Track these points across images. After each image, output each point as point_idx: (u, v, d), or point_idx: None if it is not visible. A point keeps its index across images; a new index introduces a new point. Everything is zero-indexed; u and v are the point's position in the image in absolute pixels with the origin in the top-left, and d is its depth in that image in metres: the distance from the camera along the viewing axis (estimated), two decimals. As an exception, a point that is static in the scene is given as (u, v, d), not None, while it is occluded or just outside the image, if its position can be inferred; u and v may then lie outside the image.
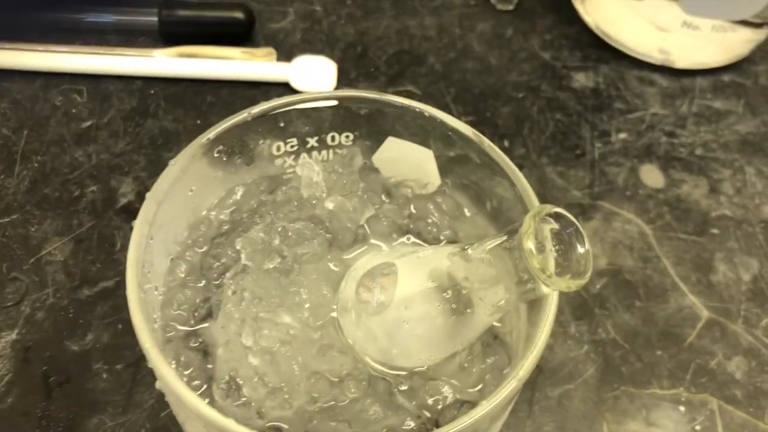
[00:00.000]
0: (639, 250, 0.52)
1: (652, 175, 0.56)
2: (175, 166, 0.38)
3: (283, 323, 0.37)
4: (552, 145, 0.57)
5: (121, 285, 0.46)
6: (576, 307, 0.48)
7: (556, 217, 0.32)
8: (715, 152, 0.58)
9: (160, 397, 0.41)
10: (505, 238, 0.33)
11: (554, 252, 0.32)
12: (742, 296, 0.50)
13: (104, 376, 0.43)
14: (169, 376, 0.31)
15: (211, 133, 0.39)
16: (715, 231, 0.53)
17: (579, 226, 0.32)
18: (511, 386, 0.31)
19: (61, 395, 0.42)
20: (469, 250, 0.35)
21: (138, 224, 0.36)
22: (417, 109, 0.42)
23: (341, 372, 0.37)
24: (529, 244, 0.30)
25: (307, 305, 0.38)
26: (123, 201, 0.50)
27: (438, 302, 0.36)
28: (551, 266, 0.31)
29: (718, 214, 0.54)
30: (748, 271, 0.51)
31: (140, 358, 0.43)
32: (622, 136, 0.58)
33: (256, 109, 0.40)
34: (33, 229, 0.49)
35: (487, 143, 0.40)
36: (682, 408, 0.44)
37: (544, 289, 0.33)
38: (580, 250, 0.32)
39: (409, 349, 0.37)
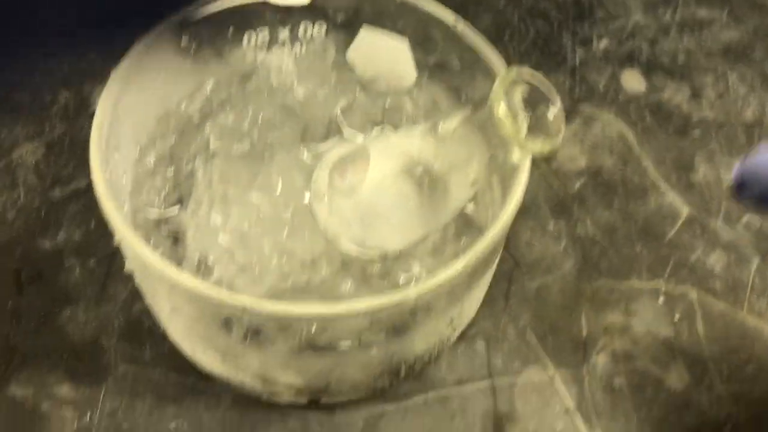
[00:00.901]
0: (619, 151, 0.51)
1: (633, 81, 0.55)
2: (140, 44, 0.37)
3: (255, 203, 0.36)
4: (532, 51, 0.56)
5: (93, 186, 0.46)
6: (555, 205, 0.48)
7: (527, 79, 0.31)
8: (698, 59, 0.57)
9: (134, 290, 0.41)
10: (473, 110, 0.33)
11: (526, 116, 0.31)
12: (722, 195, 0.49)
13: (77, 270, 0.42)
14: (136, 246, 0.30)
15: (178, 16, 0.38)
16: (696, 133, 0.53)
17: (550, 85, 0.31)
18: (483, 244, 0.31)
19: (34, 291, 0.42)
20: (439, 128, 0.34)
21: (102, 100, 0.35)
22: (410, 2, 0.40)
23: (313, 252, 0.36)
24: (502, 108, 0.29)
25: (279, 188, 0.37)
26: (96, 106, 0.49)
27: (410, 183, 0.35)
28: (523, 129, 0.30)
29: (700, 117, 0.54)
30: (729, 171, 0.51)
31: (113, 253, 0.43)
32: (604, 43, 0.57)
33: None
34: (4, 134, 0.48)
35: (462, 22, 0.39)
36: (661, 299, 0.44)
37: (516, 157, 0.33)
38: (553, 110, 0.31)
39: (382, 231, 0.37)
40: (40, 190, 0.45)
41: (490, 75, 0.39)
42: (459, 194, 0.35)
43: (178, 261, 0.37)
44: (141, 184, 0.39)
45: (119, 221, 0.31)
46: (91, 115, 0.49)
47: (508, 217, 0.32)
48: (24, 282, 0.42)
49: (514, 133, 0.30)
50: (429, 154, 0.35)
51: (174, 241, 0.38)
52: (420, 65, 0.43)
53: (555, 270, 0.45)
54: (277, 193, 0.37)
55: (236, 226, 0.36)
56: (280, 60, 0.42)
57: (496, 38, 0.56)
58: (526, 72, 0.31)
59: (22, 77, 0.51)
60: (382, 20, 0.43)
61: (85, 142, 0.48)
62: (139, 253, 0.30)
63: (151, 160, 0.39)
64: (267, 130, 0.40)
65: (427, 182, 0.35)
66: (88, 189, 0.46)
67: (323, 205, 0.37)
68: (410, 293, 0.29)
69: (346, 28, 0.43)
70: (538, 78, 0.31)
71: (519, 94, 0.31)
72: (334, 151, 0.39)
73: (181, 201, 0.38)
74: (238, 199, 0.37)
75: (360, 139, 0.42)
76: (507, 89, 0.30)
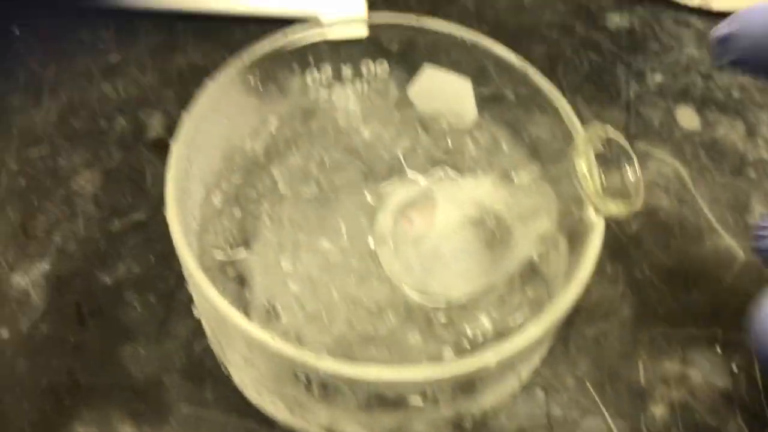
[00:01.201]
0: (675, 191, 0.51)
1: (687, 117, 0.55)
2: (213, 84, 0.37)
3: (323, 249, 0.36)
4: (587, 85, 0.56)
5: (153, 218, 0.46)
6: (612, 247, 0.47)
7: (607, 141, 0.31)
8: (753, 95, 0.57)
9: (196, 329, 0.41)
10: (549, 164, 0.32)
11: (602, 176, 0.31)
12: (779, 238, 0.49)
13: (137, 306, 0.43)
14: (212, 295, 0.30)
15: (246, 55, 0.38)
16: (752, 173, 0.52)
17: (630, 150, 0.31)
18: (555, 313, 0.31)
19: (94, 325, 0.42)
20: (513, 178, 0.34)
21: (177, 144, 0.35)
22: (458, 37, 0.40)
23: (379, 300, 0.36)
24: (583, 167, 0.29)
25: (345, 233, 0.37)
26: (153, 135, 0.50)
27: (477, 231, 0.35)
28: (600, 189, 0.30)
29: (756, 157, 0.53)
30: (786, 213, 0.50)
31: (174, 289, 0.43)
32: (658, 77, 0.57)
33: (291, 33, 0.39)
34: (62, 161, 0.48)
35: (532, 69, 0.39)
36: (718, 348, 0.44)
37: (592, 216, 0.33)
38: (631, 173, 0.31)
39: (448, 279, 0.36)
40: (99, 221, 0.46)
41: (547, 112, 0.39)
42: (525, 246, 0.35)
43: (245, 305, 0.37)
44: (207, 224, 0.39)
45: (200, 277, 0.31)
46: (148, 143, 0.49)
47: (585, 277, 0.32)
48: (86, 316, 0.42)
49: (594, 194, 0.30)
50: (499, 204, 0.35)
51: (240, 283, 0.38)
52: (479, 102, 0.43)
53: (612, 316, 0.45)
54: (345, 239, 0.37)
55: (304, 273, 0.36)
56: (343, 98, 0.42)
57: (549, 71, 0.56)
58: (609, 130, 0.31)
59: (79, 102, 0.51)
60: (439, 56, 0.43)
61: (143, 170, 0.48)
62: (214, 304, 0.31)
63: (217, 200, 0.39)
64: (332, 171, 0.40)
65: (494, 231, 0.35)
66: (148, 221, 0.46)
67: (387, 250, 0.37)
68: (490, 359, 0.29)
69: (408, 65, 0.43)
70: (617, 136, 0.31)
71: (595, 154, 0.31)
72: (398, 194, 0.39)
73: (247, 242, 0.39)
74: (306, 244, 0.37)
75: (422, 180, 0.41)
76: (587, 147, 0.30)
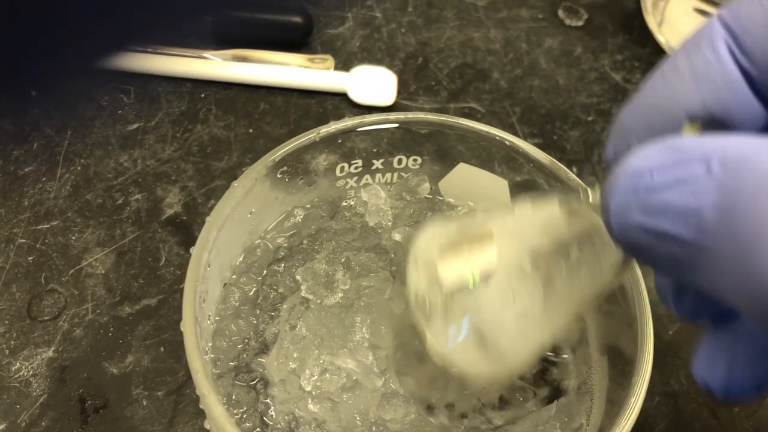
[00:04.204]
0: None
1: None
2: (238, 187, 0.35)
3: (346, 368, 0.34)
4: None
5: (164, 304, 0.44)
6: (646, 353, 0.45)
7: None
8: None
9: (204, 431, 0.38)
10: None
11: None
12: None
13: (144, 403, 0.40)
14: (228, 429, 0.28)
15: (277, 154, 0.36)
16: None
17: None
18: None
19: (98, 421, 0.39)
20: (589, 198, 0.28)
21: (196, 252, 0.33)
22: (498, 138, 0.38)
23: (405, 421, 0.34)
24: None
25: (369, 347, 0.35)
26: (169, 212, 0.48)
27: (555, 266, 0.29)
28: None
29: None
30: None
31: (182, 385, 0.41)
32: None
33: (324, 131, 0.37)
34: (74, 238, 0.46)
35: (563, 169, 0.37)
36: (758, 470, 0.41)
37: None
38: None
39: (517, 334, 0.29)
40: (108, 305, 0.43)
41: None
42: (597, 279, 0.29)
43: (260, 419, 0.34)
44: (224, 326, 0.36)
45: (218, 412, 0.29)
46: (163, 222, 0.47)
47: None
48: (89, 411, 0.40)
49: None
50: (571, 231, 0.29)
51: (255, 390, 0.35)
52: (511, 189, 0.41)
53: (647, 429, 0.42)
54: (369, 355, 0.35)
55: (325, 393, 0.34)
56: (372, 194, 0.40)
57: (584, 156, 0.54)
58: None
59: (94, 173, 0.49)
60: (470, 150, 0.41)
61: (157, 251, 0.46)
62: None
63: (235, 299, 0.37)
64: (359, 276, 0.37)
65: (576, 261, 0.29)
66: (160, 307, 0.44)
67: (425, 318, 0.30)
68: None
69: (439, 160, 0.41)
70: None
71: None
72: (423, 239, 0.30)
73: (265, 347, 0.36)
74: (327, 362, 0.34)
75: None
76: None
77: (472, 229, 0.28)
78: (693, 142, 0.18)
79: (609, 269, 0.26)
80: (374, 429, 0.33)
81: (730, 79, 0.19)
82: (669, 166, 0.18)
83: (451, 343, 0.28)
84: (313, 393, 0.33)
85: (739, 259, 0.16)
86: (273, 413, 0.34)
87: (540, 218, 0.28)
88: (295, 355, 0.34)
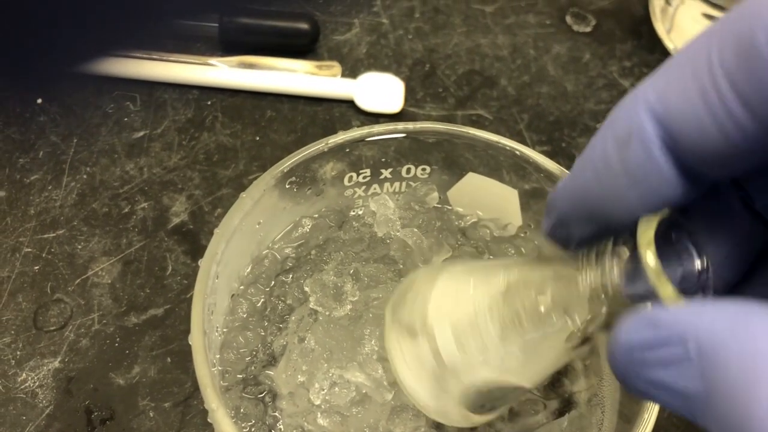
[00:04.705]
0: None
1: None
2: (247, 199, 0.34)
3: (355, 381, 0.33)
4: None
5: (170, 314, 0.44)
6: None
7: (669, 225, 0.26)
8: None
9: (211, 443, 0.38)
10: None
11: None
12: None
13: (151, 414, 0.40)
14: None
15: (286, 164, 0.36)
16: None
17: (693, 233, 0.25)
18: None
19: (105, 433, 0.39)
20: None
21: (205, 264, 0.32)
22: (507, 147, 0.38)
23: (415, 435, 0.34)
24: (651, 257, 0.24)
25: (378, 360, 0.35)
26: (175, 221, 0.47)
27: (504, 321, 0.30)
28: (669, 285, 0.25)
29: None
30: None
31: (189, 396, 0.40)
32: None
33: (333, 141, 0.37)
34: (80, 247, 0.46)
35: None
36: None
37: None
38: (697, 263, 0.25)
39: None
40: (115, 315, 0.43)
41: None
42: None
43: (269, 429, 0.34)
44: (232, 337, 0.36)
45: (222, 414, 0.28)
46: (169, 230, 0.47)
47: None
48: (95, 423, 0.39)
49: (663, 285, 0.24)
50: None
51: (263, 403, 0.35)
52: (521, 196, 0.41)
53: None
54: (378, 368, 0.34)
55: (333, 407, 0.33)
56: (381, 204, 0.40)
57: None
58: (675, 215, 0.26)
59: (100, 182, 0.49)
60: (479, 159, 0.40)
61: (164, 260, 0.46)
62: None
63: (243, 310, 0.37)
64: (368, 287, 0.37)
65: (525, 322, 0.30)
66: (166, 317, 0.43)
67: (403, 367, 0.32)
68: None
69: (448, 169, 0.41)
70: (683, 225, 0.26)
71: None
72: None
73: (273, 359, 0.36)
74: (336, 376, 0.34)
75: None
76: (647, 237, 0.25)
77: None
78: (669, 317, 0.18)
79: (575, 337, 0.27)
80: None
81: (669, 180, 0.18)
82: (653, 345, 0.18)
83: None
84: (322, 407, 0.33)
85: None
86: (281, 427, 0.34)
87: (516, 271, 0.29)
88: (303, 368, 0.34)
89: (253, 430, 0.34)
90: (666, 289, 0.21)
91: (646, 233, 0.21)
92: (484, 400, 0.31)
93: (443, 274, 0.31)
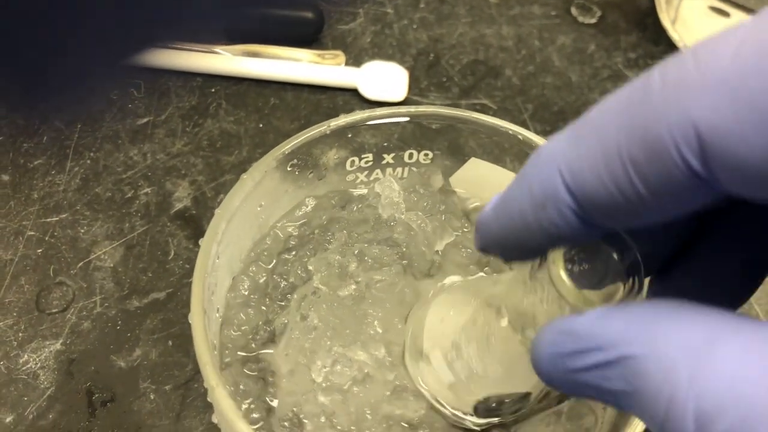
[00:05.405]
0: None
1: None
2: (248, 180, 0.34)
3: (358, 360, 0.33)
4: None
5: (172, 297, 0.44)
6: None
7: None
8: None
9: (212, 425, 0.38)
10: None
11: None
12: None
13: (151, 397, 0.40)
14: (235, 422, 0.27)
15: (288, 146, 0.36)
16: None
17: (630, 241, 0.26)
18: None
19: (106, 415, 0.39)
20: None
21: (205, 244, 0.32)
22: (510, 132, 0.38)
23: (415, 417, 0.33)
24: (557, 272, 0.24)
25: (381, 340, 0.34)
26: (178, 206, 0.47)
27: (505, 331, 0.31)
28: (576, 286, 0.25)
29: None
30: None
31: (190, 379, 0.40)
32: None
33: (335, 123, 0.37)
34: (82, 231, 0.46)
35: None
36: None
37: None
38: (628, 253, 0.26)
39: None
40: (117, 298, 0.43)
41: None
42: None
43: (267, 410, 0.34)
44: (233, 315, 0.36)
45: (221, 394, 0.28)
46: (172, 215, 0.47)
47: None
48: (96, 404, 0.39)
49: (570, 292, 0.25)
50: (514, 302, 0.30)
51: (263, 381, 0.35)
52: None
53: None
54: (381, 348, 0.34)
55: (335, 385, 0.33)
56: (390, 188, 0.40)
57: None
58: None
59: (103, 167, 0.49)
60: (481, 143, 0.40)
61: (166, 245, 0.46)
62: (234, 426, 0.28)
63: (244, 287, 0.37)
64: (372, 268, 0.37)
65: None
66: (168, 300, 0.43)
67: (414, 363, 0.34)
68: None
69: (452, 154, 0.41)
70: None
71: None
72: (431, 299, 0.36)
73: (273, 337, 0.36)
74: (338, 354, 0.34)
75: (457, 280, 0.39)
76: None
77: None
78: (584, 328, 0.20)
79: None
80: (384, 423, 0.33)
81: (578, 231, 0.20)
82: (574, 352, 0.20)
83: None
84: (324, 385, 0.33)
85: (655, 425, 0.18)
86: (281, 404, 0.34)
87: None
88: (306, 346, 0.34)
89: (252, 407, 0.34)
90: (575, 297, 0.23)
91: (555, 252, 0.23)
92: (490, 406, 0.32)
93: (437, 299, 0.34)
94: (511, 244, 0.23)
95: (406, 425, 0.33)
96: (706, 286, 0.24)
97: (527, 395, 0.32)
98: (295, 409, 0.34)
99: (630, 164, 0.18)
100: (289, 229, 0.39)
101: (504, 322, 0.29)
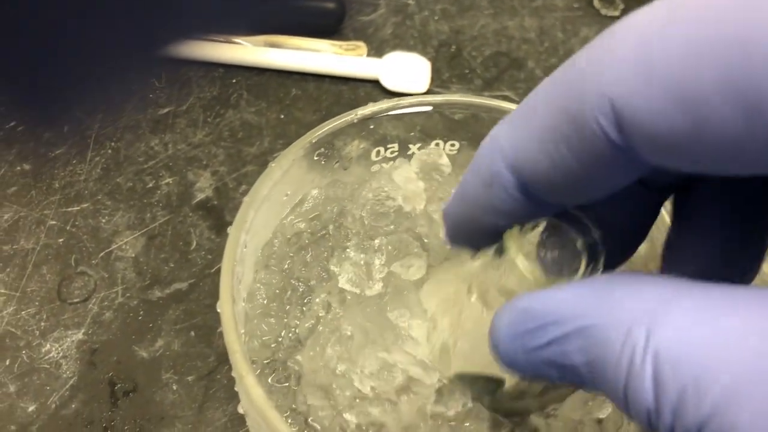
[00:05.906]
0: None
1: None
2: (276, 168, 0.34)
3: (398, 363, 0.32)
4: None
5: (194, 288, 0.43)
6: None
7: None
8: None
9: (234, 415, 0.38)
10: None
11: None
12: None
13: (174, 387, 0.40)
14: (269, 415, 0.27)
15: (315, 135, 0.35)
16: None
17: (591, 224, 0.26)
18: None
19: (128, 405, 0.39)
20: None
21: (234, 232, 0.32)
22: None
23: (462, 411, 0.33)
24: (514, 251, 0.25)
25: (419, 339, 0.34)
26: (200, 196, 0.47)
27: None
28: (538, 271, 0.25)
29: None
30: None
31: (213, 370, 0.40)
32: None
33: (361, 112, 0.37)
34: (104, 221, 0.46)
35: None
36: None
37: None
38: (589, 237, 0.26)
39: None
40: (138, 289, 0.43)
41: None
42: None
43: (294, 416, 0.33)
44: (256, 314, 0.36)
45: (251, 381, 0.28)
46: (194, 206, 0.47)
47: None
48: (119, 394, 0.39)
49: (531, 272, 0.25)
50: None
51: (288, 387, 0.34)
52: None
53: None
54: (419, 345, 0.34)
55: (385, 393, 0.33)
56: (408, 178, 0.39)
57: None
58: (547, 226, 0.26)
59: (125, 157, 0.49)
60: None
61: (188, 235, 0.45)
62: (268, 421, 0.27)
63: (262, 299, 0.36)
64: (395, 260, 0.36)
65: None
66: (190, 291, 0.43)
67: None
68: None
69: (475, 144, 0.41)
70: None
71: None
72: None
73: (299, 339, 0.35)
74: (382, 358, 0.33)
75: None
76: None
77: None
78: (539, 303, 0.20)
79: None
80: (431, 422, 0.32)
81: (526, 207, 0.21)
82: (530, 330, 0.20)
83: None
84: (370, 396, 0.32)
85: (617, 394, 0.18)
86: (317, 418, 0.33)
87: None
88: (331, 353, 0.33)
89: (289, 421, 0.33)
90: (537, 279, 0.23)
91: (510, 233, 0.24)
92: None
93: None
94: (471, 227, 0.24)
95: (452, 423, 0.33)
96: (699, 270, 0.24)
97: (501, 381, 0.31)
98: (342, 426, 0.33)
99: (560, 139, 0.19)
100: (313, 224, 0.39)
101: (473, 298, 0.29)
